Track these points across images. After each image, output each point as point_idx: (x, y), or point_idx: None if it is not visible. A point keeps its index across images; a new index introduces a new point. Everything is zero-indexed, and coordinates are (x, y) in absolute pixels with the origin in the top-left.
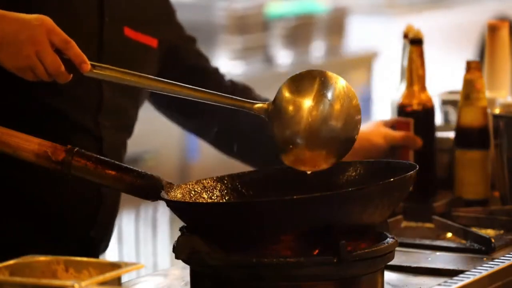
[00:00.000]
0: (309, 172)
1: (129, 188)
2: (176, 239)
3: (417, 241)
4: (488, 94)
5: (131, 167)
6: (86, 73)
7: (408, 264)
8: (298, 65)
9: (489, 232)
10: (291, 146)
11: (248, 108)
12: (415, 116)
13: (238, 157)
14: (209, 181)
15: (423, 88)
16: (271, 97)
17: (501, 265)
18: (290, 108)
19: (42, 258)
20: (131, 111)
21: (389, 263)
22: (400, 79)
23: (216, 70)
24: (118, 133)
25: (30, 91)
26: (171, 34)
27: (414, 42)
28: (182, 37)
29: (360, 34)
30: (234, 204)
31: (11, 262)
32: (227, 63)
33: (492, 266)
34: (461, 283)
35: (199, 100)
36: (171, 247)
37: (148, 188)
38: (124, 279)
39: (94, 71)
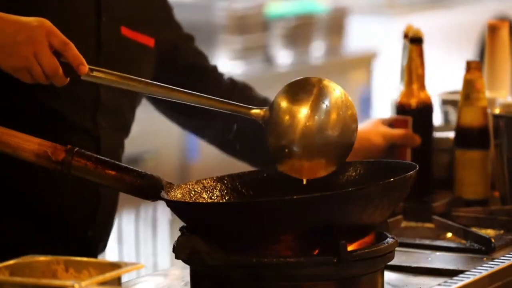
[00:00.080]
0: (304, 181)
1: (129, 188)
2: (176, 239)
3: (417, 241)
4: (488, 94)
5: (131, 167)
6: (83, 76)
7: (408, 264)
8: (298, 65)
9: (489, 232)
10: (286, 156)
11: (244, 113)
12: (413, 114)
13: (239, 156)
14: (209, 181)
15: (422, 87)
16: (271, 97)
17: (501, 265)
18: (286, 117)
19: (42, 258)
20: (128, 111)
21: (389, 263)
22: (400, 79)
23: (215, 68)
24: (116, 133)
25: (28, 91)
26: (169, 33)
27: (414, 41)
28: (181, 35)
29: (360, 34)
30: (234, 204)
31: (11, 262)
32: (227, 63)
33: (492, 266)
34: (461, 283)
35: (195, 105)
36: (171, 247)
37: (148, 188)
38: (124, 279)
39: (92, 74)
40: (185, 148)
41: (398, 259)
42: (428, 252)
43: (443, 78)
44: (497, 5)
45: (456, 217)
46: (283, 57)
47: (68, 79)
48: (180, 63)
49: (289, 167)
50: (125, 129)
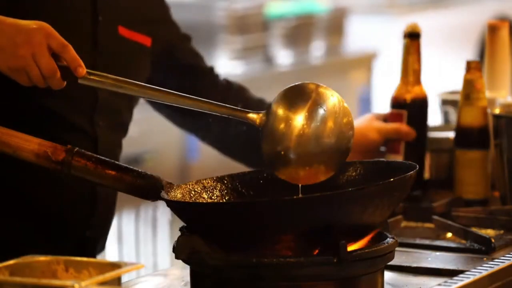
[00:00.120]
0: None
1: (129, 188)
2: (176, 239)
3: (417, 241)
4: (488, 94)
5: (131, 167)
6: (80, 80)
7: (408, 264)
8: (298, 65)
9: (489, 232)
10: (281, 162)
11: (241, 117)
12: (408, 108)
13: (237, 157)
14: (209, 181)
15: (417, 81)
16: (270, 97)
17: (501, 265)
18: (282, 125)
19: (42, 258)
20: (126, 111)
21: (389, 263)
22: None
23: (211, 69)
24: (113, 133)
25: (25, 91)
26: (166, 32)
27: (412, 36)
28: (178, 35)
29: (360, 34)
30: (234, 204)
31: (11, 262)
32: (227, 63)
33: (492, 266)
34: (461, 283)
35: (193, 109)
36: (171, 247)
37: (148, 188)
38: (124, 279)
39: (89, 77)
40: (185, 148)
41: (398, 259)
42: (428, 252)
43: (443, 78)
44: (497, 5)
45: (456, 217)
46: (283, 57)
47: (65, 82)
48: (177, 63)
49: (285, 173)
50: (123, 129)
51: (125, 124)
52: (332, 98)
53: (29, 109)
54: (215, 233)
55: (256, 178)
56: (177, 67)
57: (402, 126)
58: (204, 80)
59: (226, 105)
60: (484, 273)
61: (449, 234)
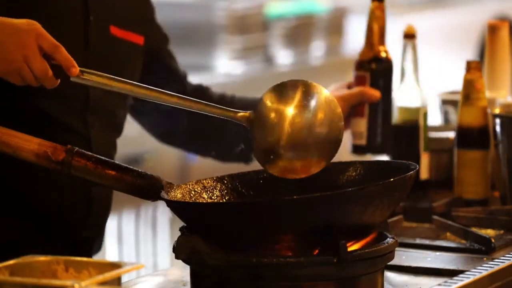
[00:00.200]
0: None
1: (129, 188)
2: (176, 239)
3: (417, 241)
4: (488, 94)
5: (131, 167)
6: (73, 79)
7: (408, 264)
8: (298, 65)
9: (489, 232)
10: (273, 155)
11: (231, 117)
12: (371, 70)
13: (198, 151)
14: (209, 181)
15: (381, 43)
16: None
17: (501, 265)
18: (272, 115)
19: (42, 258)
20: (119, 110)
21: (389, 263)
22: (400, 79)
23: (185, 74)
24: (107, 133)
25: (17, 92)
26: (155, 33)
27: None
28: (163, 36)
29: (360, 34)
30: (234, 204)
31: (11, 262)
32: (227, 63)
33: (492, 266)
34: (461, 283)
35: (186, 109)
36: (171, 247)
37: (148, 188)
38: (124, 279)
39: (82, 76)
40: None
41: (398, 259)
42: (428, 252)
43: (443, 78)
44: (497, 5)
45: (456, 217)
46: (283, 57)
47: (59, 80)
48: (163, 64)
49: (278, 167)
50: (117, 129)
51: (119, 124)
52: (320, 91)
53: (21, 110)
54: (215, 233)
55: (256, 178)
56: (162, 68)
57: (365, 88)
58: (179, 82)
59: (216, 105)
60: (484, 273)
61: (449, 234)
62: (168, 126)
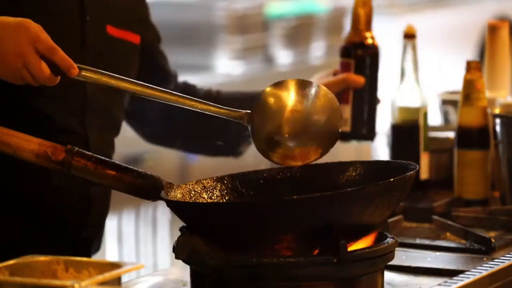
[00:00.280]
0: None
1: (129, 188)
2: (176, 239)
3: (417, 241)
4: (488, 94)
5: (131, 167)
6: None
7: (408, 264)
8: (298, 65)
9: (489, 232)
10: (274, 143)
11: (230, 116)
12: (355, 56)
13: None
14: (209, 181)
15: (367, 29)
16: None
17: (501, 265)
18: (273, 104)
19: (42, 258)
20: (117, 110)
21: (389, 263)
22: (400, 79)
23: (175, 74)
24: (105, 133)
25: (15, 92)
26: (150, 32)
27: None
28: (157, 36)
29: None
30: (234, 204)
31: (11, 262)
32: (227, 63)
33: (492, 266)
34: (461, 283)
35: (183, 107)
36: (171, 247)
37: (148, 188)
38: (124, 279)
39: (82, 73)
40: None
41: (398, 259)
42: (428, 252)
43: (443, 78)
44: (497, 5)
45: (456, 217)
46: (283, 57)
47: (59, 78)
48: (155, 64)
49: (278, 154)
50: (115, 128)
51: (117, 124)
52: (318, 85)
53: (19, 110)
54: (215, 233)
55: (256, 178)
56: (155, 68)
57: (349, 74)
58: (171, 83)
59: (213, 104)
60: (484, 273)
61: (449, 234)
62: (154, 127)
